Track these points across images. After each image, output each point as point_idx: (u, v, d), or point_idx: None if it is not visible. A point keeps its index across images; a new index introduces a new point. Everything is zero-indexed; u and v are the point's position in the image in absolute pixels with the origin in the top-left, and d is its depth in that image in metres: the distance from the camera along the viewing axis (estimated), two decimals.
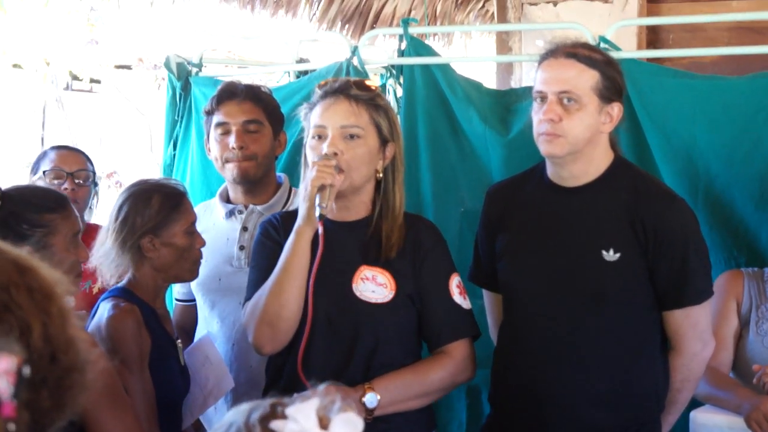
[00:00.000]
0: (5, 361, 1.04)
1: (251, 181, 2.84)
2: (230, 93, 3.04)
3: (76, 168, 2.92)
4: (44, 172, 2.91)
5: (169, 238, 2.38)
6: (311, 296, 2.59)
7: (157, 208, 2.39)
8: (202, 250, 2.55)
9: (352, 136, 2.53)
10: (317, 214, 2.46)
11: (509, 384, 2.72)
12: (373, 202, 2.63)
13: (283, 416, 1.44)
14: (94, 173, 3.19)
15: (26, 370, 1.06)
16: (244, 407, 1.50)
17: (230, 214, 3.04)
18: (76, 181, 2.89)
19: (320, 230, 2.48)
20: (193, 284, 3.02)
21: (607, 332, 2.59)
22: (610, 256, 2.57)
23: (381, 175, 2.60)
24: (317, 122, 2.60)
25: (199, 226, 2.88)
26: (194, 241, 2.44)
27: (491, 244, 2.77)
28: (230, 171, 2.80)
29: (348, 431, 1.44)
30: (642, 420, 2.68)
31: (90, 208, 3.02)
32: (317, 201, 2.46)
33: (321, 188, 2.47)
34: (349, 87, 2.58)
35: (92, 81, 9.55)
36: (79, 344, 1.24)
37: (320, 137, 2.55)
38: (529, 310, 2.65)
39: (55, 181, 2.88)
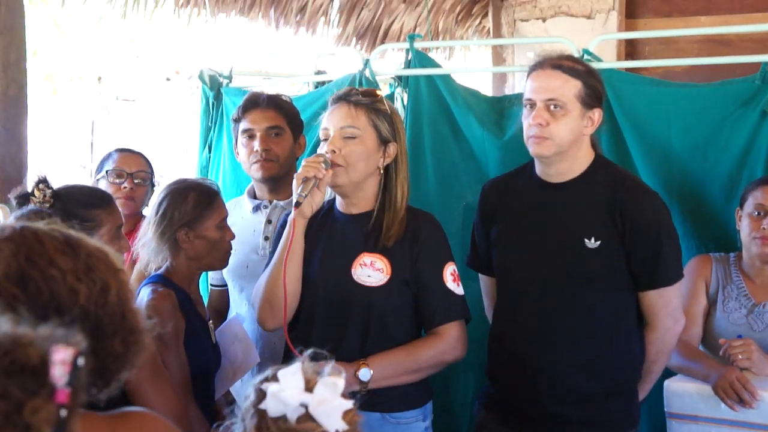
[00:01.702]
0: (62, 351, 1.04)
1: (274, 179, 2.85)
2: (254, 102, 3.05)
3: (136, 169, 2.93)
4: (107, 171, 2.93)
5: (203, 231, 2.39)
6: (293, 280, 2.61)
7: (192, 205, 2.40)
8: (232, 241, 2.56)
9: (349, 136, 2.52)
10: (294, 201, 2.48)
11: (504, 359, 2.72)
12: (377, 197, 2.61)
13: (275, 379, 1.54)
14: (153, 174, 3.21)
15: (81, 361, 1.05)
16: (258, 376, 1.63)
17: (256, 209, 3.05)
18: (135, 180, 2.91)
19: (291, 216, 2.51)
20: (225, 271, 3.02)
21: (590, 311, 2.60)
22: (592, 243, 2.56)
23: (382, 171, 2.58)
24: (323, 125, 2.61)
25: (230, 220, 2.89)
26: (225, 234, 2.45)
27: (486, 233, 2.77)
28: (255, 171, 2.81)
29: (328, 392, 1.55)
30: (621, 387, 2.66)
31: (146, 204, 3.03)
32: (298, 190, 2.47)
33: (305, 180, 2.48)
34: (351, 94, 2.58)
35: (134, 92, 9.58)
36: (139, 312, 1.34)
37: (325, 138, 2.56)
38: (519, 292, 2.64)
39: (117, 180, 2.90)
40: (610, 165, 2.72)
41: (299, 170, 2.52)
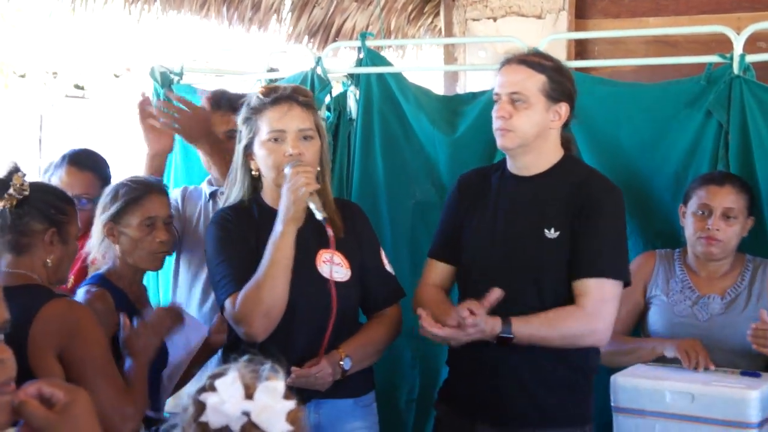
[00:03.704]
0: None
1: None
2: (216, 104, 3.15)
3: (79, 191, 2.79)
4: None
5: (124, 227, 2.39)
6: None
7: (119, 199, 2.42)
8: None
9: (306, 138, 2.54)
10: (320, 218, 2.48)
11: (464, 350, 2.70)
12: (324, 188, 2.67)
13: (213, 388, 1.46)
14: (107, 175, 3.06)
15: None
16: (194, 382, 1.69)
17: (212, 195, 3.10)
18: (78, 204, 2.66)
19: (330, 233, 2.50)
20: (182, 256, 3.11)
21: (545, 301, 2.62)
22: (551, 234, 2.60)
23: (319, 169, 2.62)
24: (275, 126, 2.58)
25: (189, 209, 3.04)
26: (152, 234, 2.43)
27: (458, 223, 2.79)
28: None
29: (268, 398, 1.49)
30: (577, 377, 2.69)
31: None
32: (314, 206, 2.47)
33: (305, 184, 2.48)
34: (297, 94, 2.61)
35: (81, 88, 9.53)
36: None
37: (277, 140, 2.55)
38: (482, 280, 2.63)
39: None
40: (579, 163, 2.78)
41: (303, 182, 2.50)
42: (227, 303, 2.56)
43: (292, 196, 2.43)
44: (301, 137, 2.50)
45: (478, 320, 2.48)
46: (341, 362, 2.49)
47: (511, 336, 2.51)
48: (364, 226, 2.73)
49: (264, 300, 2.49)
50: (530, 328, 2.55)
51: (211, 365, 2.67)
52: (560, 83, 2.59)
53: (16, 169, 2.12)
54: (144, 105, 3.12)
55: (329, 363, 2.51)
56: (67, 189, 2.82)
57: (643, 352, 2.60)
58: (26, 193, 2.08)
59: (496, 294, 2.48)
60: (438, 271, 2.77)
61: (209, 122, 3.16)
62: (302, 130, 2.51)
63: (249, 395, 1.50)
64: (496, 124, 2.55)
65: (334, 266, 2.61)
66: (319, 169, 2.61)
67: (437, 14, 5.31)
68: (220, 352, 2.80)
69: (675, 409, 2.61)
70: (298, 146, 2.49)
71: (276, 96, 2.53)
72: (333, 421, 2.51)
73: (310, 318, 2.58)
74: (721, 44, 3.16)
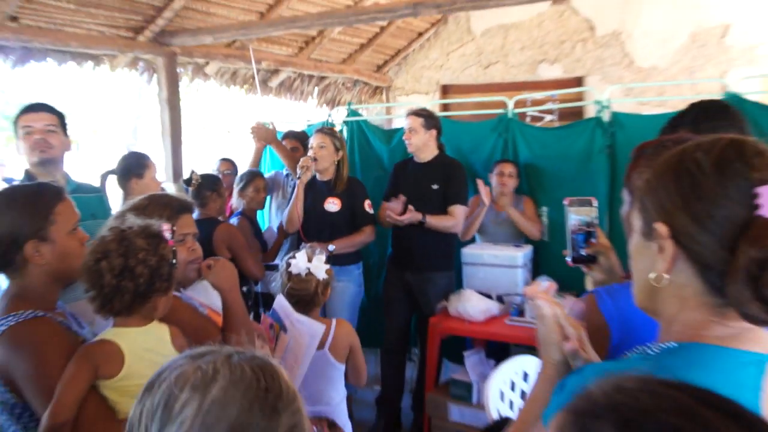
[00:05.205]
0: (165, 227, 1.65)
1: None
2: (287, 134, 4.33)
3: None
4: None
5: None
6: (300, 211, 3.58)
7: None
8: None
9: (321, 146, 3.67)
10: (299, 175, 3.58)
11: (397, 241, 3.86)
12: (334, 172, 3.70)
13: (293, 257, 2.51)
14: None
15: (172, 231, 1.71)
16: None
17: (287, 175, 4.26)
18: None
19: (300, 180, 3.51)
20: (273, 204, 4.36)
21: (434, 213, 3.61)
22: (435, 186, 3.66)
23: (336, 162, 3.67)
24: (311, 143, 3.65)
25: (278, 181, 4.30)
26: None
27: (395, 185, 3.82)
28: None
29: (318, 261, 2.47)
30: (447, 252, 3.79)
31: None
32: (299, 173, 3.56)
33: (304, 168, 3.56)
34: (322, 129, 3.72)
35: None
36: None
37: (312, 148, 3.64)
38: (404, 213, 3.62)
39: None
40: (444, 155, 3.75)
41: (300, 162, 3.58)
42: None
43: (300, 171, 3.57)
44: (319, 147, 3.66)
45: (413, 213, 3.47)
46: (329, 247, 3.25)
47: (425, 221, 3.56)
48: (359, 187, 3.75)
49: (289, 215, 3.60)
50: (433, 220, 3.59)
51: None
52: (431, 120, 3.64)
53: None
54: (255, 127, 4.28)
55: (322, 246, 3.23)
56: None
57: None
58: None
59: (402, 199, 3.56)
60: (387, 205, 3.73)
61: (275, 135, 4.26)
62: (319, 143, 3.65)
63: (309, 260, 2.39)
64: (405, 140, 3.66)
65: (332, 204, 3.64)
66: (339, 159, 3.60)
67: (382, 93, 7.30)
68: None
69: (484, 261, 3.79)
70: (316, 152, 3.63)
71: (317, 129, 3.75)
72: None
73: (315, 225, 3.64)
74: (501, 104, 4.45)
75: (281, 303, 2.50)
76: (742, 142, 0.93)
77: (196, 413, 0.86)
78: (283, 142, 4.43)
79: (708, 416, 0.58)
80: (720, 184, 0.90)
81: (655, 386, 0.62)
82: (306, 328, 2.42)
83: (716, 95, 3.76)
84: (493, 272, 3.76)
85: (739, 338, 0.94)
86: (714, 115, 1.90)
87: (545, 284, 1.21)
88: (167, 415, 0.87)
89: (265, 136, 4.21)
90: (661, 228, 0.94)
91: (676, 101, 4.34)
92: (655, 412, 0.58)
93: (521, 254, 3.84)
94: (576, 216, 1.56)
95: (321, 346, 2.53)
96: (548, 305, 1.16)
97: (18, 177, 2.73)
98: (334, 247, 3.44)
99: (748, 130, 1.88)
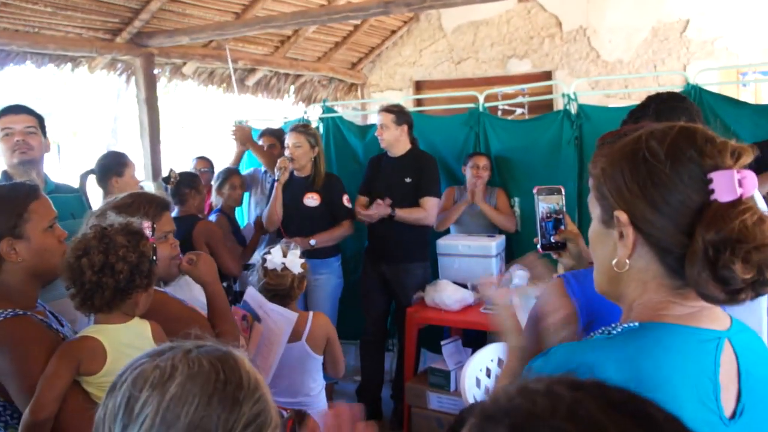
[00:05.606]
0: (146, 224, 1.66)
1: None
2: (264, 132, 4.45)
3: None
4: None
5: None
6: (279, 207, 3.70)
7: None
8: None
9: (297, 146, 3.79)
10: (277, 176, 3.73)
11: (373, 235, 3.94)
12: (311, 168, 3.84)
13: (269, 253, 2.58)
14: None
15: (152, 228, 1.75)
16: None
17: (264, 173, 4.35)
18: None
19: (278, 181, 3.64)
20: (252, 200, 4.52)
21: (405, 206, 3.74)
22: (408, 180, 3.79)
23: (312, 159, 3.82)
24: (286, 142, 3.78)
25: (256, 178, 4.41)
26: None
27: (370, 178, 3.97)
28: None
29: (293, 256, 2.52)
30: (420, 243, 3.88)
31: None
32: (278, 173, 3.70)
33: (281, 169, 3.71)
34: (298, 126, 3.84)
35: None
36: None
37: (288, 147, 3.77)
38: (381, 199, 3.75)
39: None
40: (417, 149, 3.88)
41: (278, 163, 3.72)
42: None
43: (277, 172, 3.71)
44: (296, 146, 3.79)
45: (381, 207, 3.65)
46: (310, 241, 3.59)
47: (394, 215, 3.70)
48: (337, 183, 3.88)
49: (268, 214, 3.72)
50: (403, 212, 3.72)
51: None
52: (403, 116, 3.77)
53: None
54: (236, 129, 4.42)
55: (304, 240, 3.59)
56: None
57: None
58: None
59: (388, 201, 3.69)
60: (362, 199, 3.92)
61: (250, 135, 4.39)
62: (294, 144, 3.78)
63: (285, 255, 2.48)
64: (378, 136, 3.81)
65: (310, 200, 3.76)
66: (315, 155, 3.74)
67: (357, 90, 7.39)
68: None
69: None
70: (293, 152, 3.77)
71: (291, 128, 3.88)
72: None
73: (296, 221, 3.73)
74: (473, 99, 4.60)
75: (252, 294, 2.54)
76: (693, 130, 0.95)
77: (155, 412, 0.87)
78: (261, 140, 4.53)
79: (604, 421, 0.55)
80: (675, 170, 0.92)
81: (561, 388, 0.59)
82: (279, 316, 2.46)
83: (678, 87, 3.96)
84: (468, 262, 3.84)
85: (697, 317, 0.96)
86: (674, 106, 1.97)
87: (519, 272, 1.26)
88: (128, 416, 0.89)
89: (245, 138, 4.33)
90: (622, 216, 0.96)
91: (640, 93, 4.44)
92: (547, 418, 0.56)
93: (495, 244, 3.94)
94: (545, 204, 1.59)
95: (299, 337, 2.57)
96: (499, 296, 1.19)
97: None
98: (315, 241, 3.63)
99: (701, 121, 1.95)
